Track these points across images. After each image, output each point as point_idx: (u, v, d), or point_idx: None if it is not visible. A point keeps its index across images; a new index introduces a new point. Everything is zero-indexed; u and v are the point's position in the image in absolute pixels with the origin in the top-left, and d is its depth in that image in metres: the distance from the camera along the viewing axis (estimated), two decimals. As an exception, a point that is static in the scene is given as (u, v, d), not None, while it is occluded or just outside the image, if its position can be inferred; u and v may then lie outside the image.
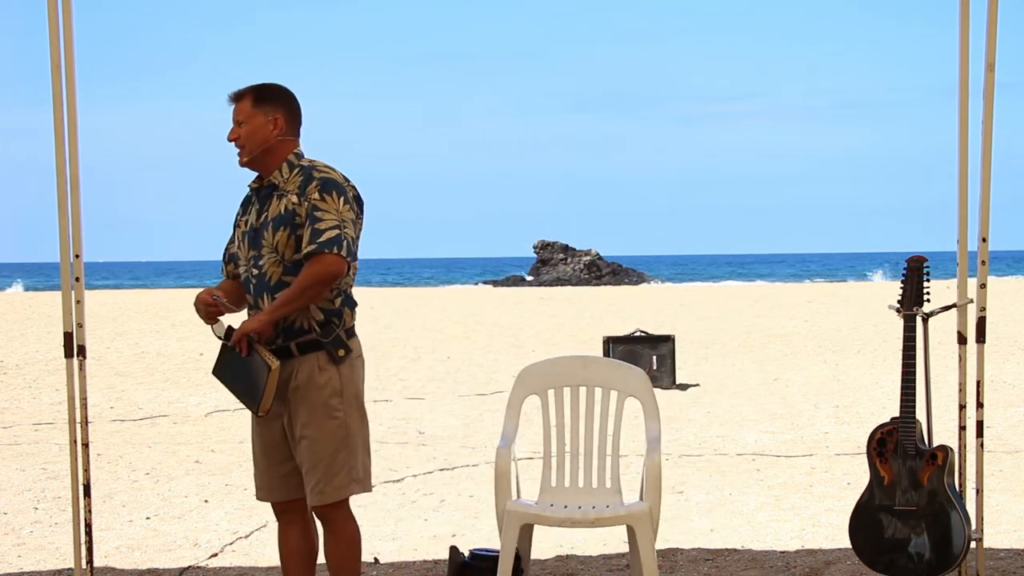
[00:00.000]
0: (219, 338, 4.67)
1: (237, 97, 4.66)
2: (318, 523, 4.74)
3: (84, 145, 5.29)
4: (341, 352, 4.58)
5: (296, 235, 4.54)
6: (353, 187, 4.64)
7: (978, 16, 5.15)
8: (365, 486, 4.66)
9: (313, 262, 4.49)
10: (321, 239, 4.47)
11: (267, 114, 4.62)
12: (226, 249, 4.85)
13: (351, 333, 4.64)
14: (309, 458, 4.55)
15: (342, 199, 4.54)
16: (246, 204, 4.77)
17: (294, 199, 4.55)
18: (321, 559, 4.80)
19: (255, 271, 4.62)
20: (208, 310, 4.65)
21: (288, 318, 4.53)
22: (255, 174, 4.72)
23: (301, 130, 4.74)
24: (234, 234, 4.81)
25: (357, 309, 4.69)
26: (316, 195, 4.52)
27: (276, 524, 4.87)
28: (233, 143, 4.65)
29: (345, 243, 4.50)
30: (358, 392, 4.64)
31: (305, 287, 4.48)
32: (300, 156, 4.67)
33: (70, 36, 5.20)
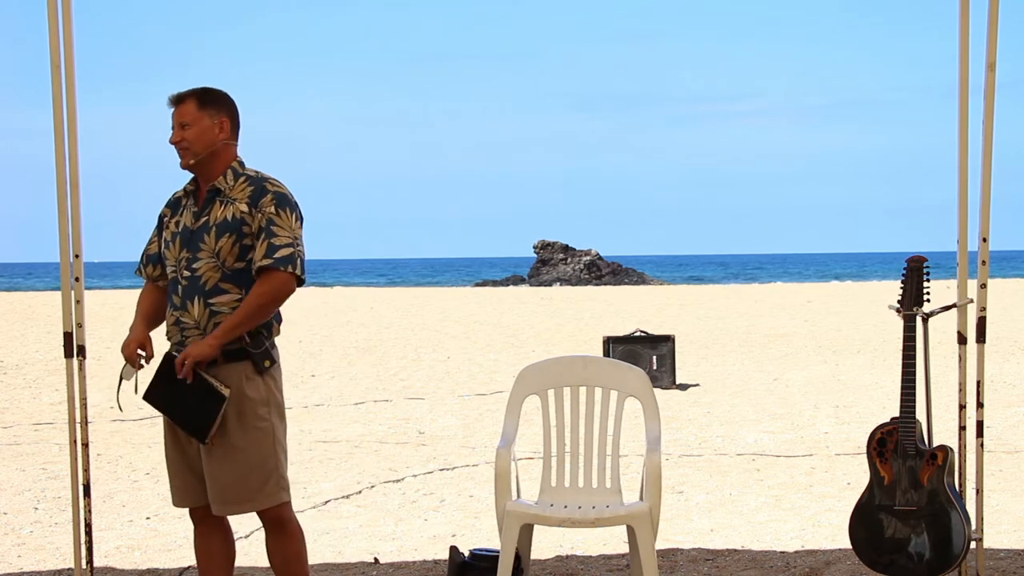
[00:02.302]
0: (121, 378, 4.66)
1: (179, 99, 4.61)
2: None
3: (84, 145, 5.29)
4: (267, 363, 4.58)
5: (242, 243, 4.52)
6: (298, 204, 4.65)
7: (978, 16, 5.15)
8: (289, 494, 4.69)
9: (264, 280, 4.49)
10: (277, 255, 4.48)
11: (212, 117, 4.59)
12: (145, 250, 4.80)
13: (273, 344, 4.65)
14: (239, 467, 4.53)
15: (294, 216, 4.57)
16: (176, 205, 4.72)
17: (243, 208, 4.53)
18: (263, 563, 4.75)
19: (187, 273, 4.57)
20: (130, 361, 4.64)
21: (218, 324, 4.52)
22: (190, 176, 4.68)
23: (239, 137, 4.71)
24: (160, 235, 4.75)
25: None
26: (272, 209, 4.52)
27: (222, 524, 4.75)
28: (175, 145, 4.60)
29: (299, 261, 4.53)
30: (280, 401, 4.66)
31: (259, 306, 4.49)
32: (243, 164, 4.66)
33: (70, 36, 5.20)
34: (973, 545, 5.24)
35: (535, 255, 57.14)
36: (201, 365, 4.48)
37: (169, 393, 4.53)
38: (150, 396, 4.58)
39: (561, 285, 51.61)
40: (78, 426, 5.31)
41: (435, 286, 58.90)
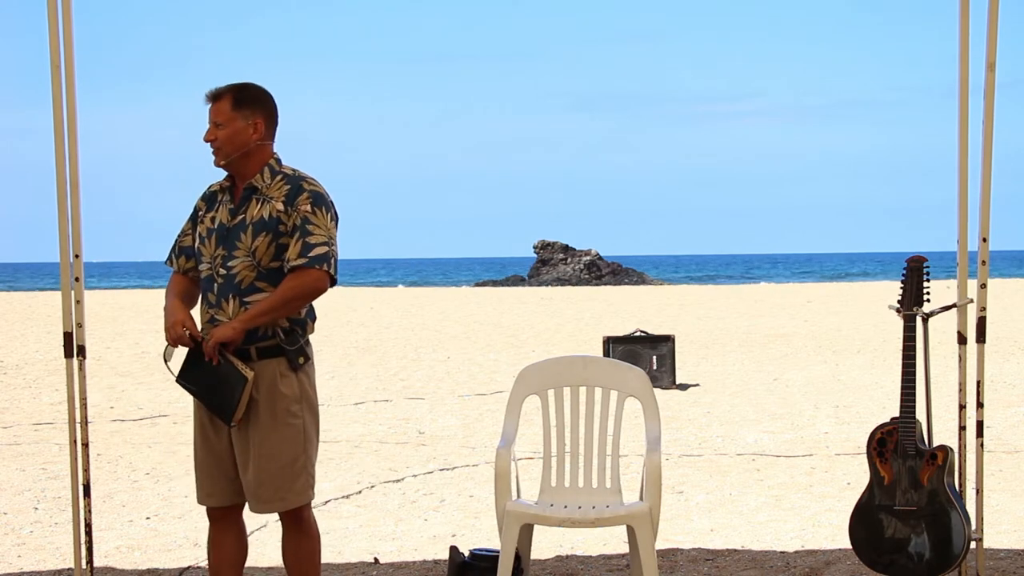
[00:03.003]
0: (165, 360, 4.64)
1: (215, 97, 4.57)
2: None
3: (84, 145, 5.29)
4: (301, 360, 4.58)
5: (278, 243, 4.51)
6: (334, 204, 4.64)
7: (978, 16, 5.15)
8: (313, 493, 4.69)
9: (298, 275, 4.48)
10: (312, 254, 4.48)
11: (247, 118, 4.55)
12: (178, 242, 4.76)
13: (308, 341, 4.64)
14: (270, 464, 4.52)
15: (330, 215, 4.56)
16: (212, 200, 4.69)
17: (279, 206, 4.51)
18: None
19: (223, 271, 4.54)
20: (180, 342, 4.57)
21: None
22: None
23: (277, 133, 4.69)
24: (194, 229, 4.72)
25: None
26: (308, 207, 4.50)
27: (238, 524, 4.77)
28: (209, 144, 4.56)
29: (333, 260, 4.53)
30: (313, 398, 4.65)
31: (288, 300, 4.48)
32: (279, 162, 4.63)
33: (70, 36, 5.19)
34: (973, 545, 5.24)
35: (535, 255, 57.15)
36: (227, 348, 4.47)
37: (198, 376, 4.54)
38: (182, 379, 4.59)
39: (561, 285, 51.60)
40: (78, 426, 5.31)
41: (435, 286, 58.89)
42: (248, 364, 4.51)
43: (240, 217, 4.55)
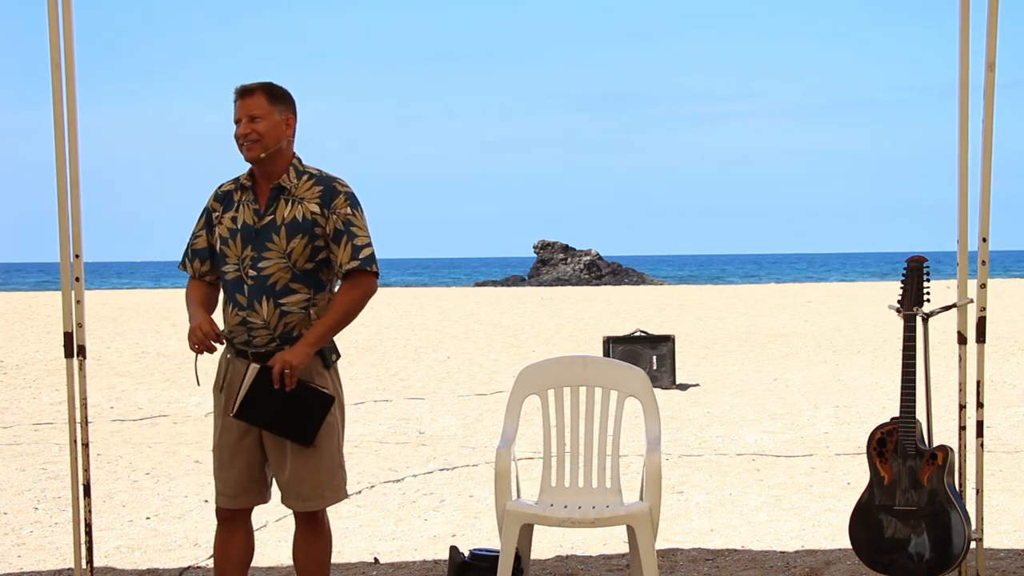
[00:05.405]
0: (196, 373, 4.56)
1: (247, 92, 4.50)
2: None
3: (84, 145, 5.29)
4: (334, 357, 4.59)
5: (314, 244, 4.49)
6: None
7: (978, 16, 5.15)
8: (347, 490, 4.70)
9: (354, 283, 4.49)
10: (361, 256, 4.49)
11: (281, 113, 4.53)
12: (190, 245, 4.70)
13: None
14: (310, 461, 4.51)
15: (364, 215, 4.57)
16: (227, 200, 4.62)
17: (314, 208, 4.49)
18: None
19: (252, 272, 4.49)
20: (205, 347, 4.49)
21: (288, 324, 4.49)
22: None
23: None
24: (208, 231, 4.65)
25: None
26: (348, 210, 4.50)
27: (246, 526, 4.75)
28: (244, 138, 4.47)
29: (376, 259, 4.55)
30: (342, 396, 4.65)
31: (349, 311, 4.49)
32: (302, 162, 4.60)
33: (70, 36, 5.19)
34: (973, 545, 5.25)
35: (535, 255, 57.16)
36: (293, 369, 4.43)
37: (268, 405, 4.44)
38: (244, 413, 4.47)
39: (561, 285, 51.59)
40: (78, 426, 5.31)
41: (435, 286, 58.88)
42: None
43: (269, 218, 4.51)
